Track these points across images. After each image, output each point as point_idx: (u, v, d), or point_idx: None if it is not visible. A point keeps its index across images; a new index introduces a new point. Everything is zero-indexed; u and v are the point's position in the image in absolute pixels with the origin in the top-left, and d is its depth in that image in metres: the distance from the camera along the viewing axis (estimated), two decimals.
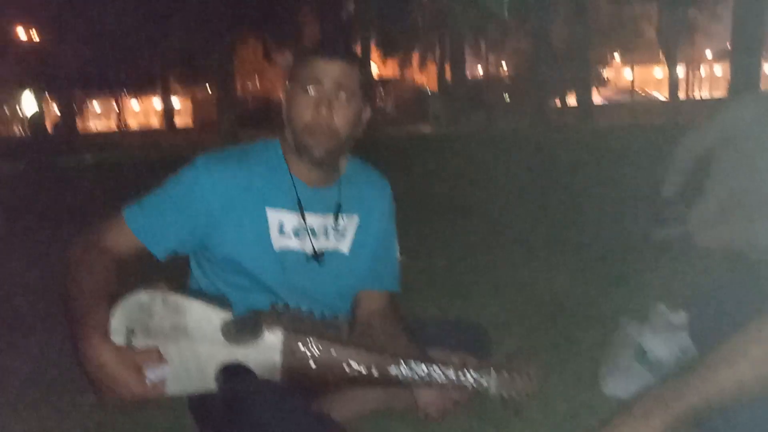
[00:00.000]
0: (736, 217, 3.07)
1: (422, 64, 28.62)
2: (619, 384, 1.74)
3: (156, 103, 34.54)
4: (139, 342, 1.30)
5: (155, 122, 34.82)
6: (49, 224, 4.82)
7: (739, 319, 1.08)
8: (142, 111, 38.31)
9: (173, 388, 1.32)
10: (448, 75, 25.09)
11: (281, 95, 1.49)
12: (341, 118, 1.42)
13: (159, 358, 1.28)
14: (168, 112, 29.76)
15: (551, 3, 19.74)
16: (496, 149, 10.08)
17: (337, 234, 1.54)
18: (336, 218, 1.52)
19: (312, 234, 1.49)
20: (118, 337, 1.28)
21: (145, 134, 26.48)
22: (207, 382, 1.32)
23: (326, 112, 1.40)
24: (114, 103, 32.83)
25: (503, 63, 29.97)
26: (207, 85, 27.68)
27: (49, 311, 2.65)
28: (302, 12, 20.38)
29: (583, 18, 20.75)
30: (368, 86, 1.51)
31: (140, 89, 28.71)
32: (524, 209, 4.88)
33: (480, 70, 30.43)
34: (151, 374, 1.27)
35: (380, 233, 1.61)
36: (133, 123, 35.02)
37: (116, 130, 30.73)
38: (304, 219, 1.48)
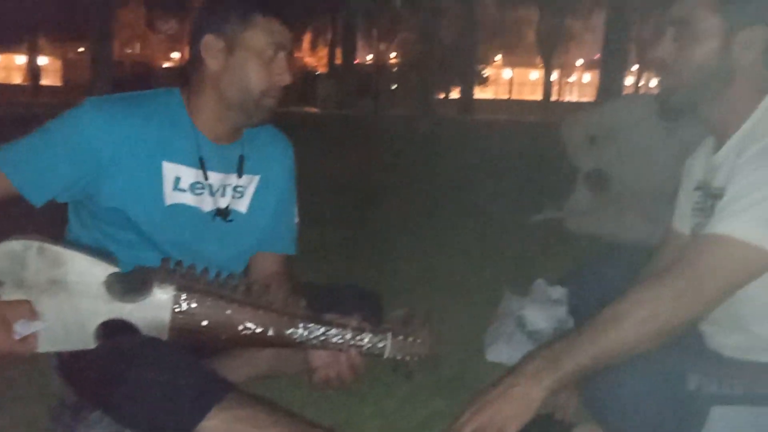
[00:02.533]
0: (604, 207, 3.30)
1: (313, 47, 28.36)
2: (502, 351, 1.83)
3: (21, 59, 31.78)
4: (10, 295, 1.17)
5: (18, 78, 32.01)
6: None
7: (609, 293, 1.16)
8: (5, 66, 35.05)
9: (47, 345, 1.21)
10: (338, 59, 25.06)
11: (210, 58, 1.37)
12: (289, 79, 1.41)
13: (30, 312, 1.16)
14: (33, 70, 27.47)
15: None
16: (382, 133, 10.22)
17: (236, 193, 1.47)
18: (239, 175, 1.46)
19: (210, 192, 1.42)
20: None
21: (6, 89, 24.27)
22: (86, 339, 1.21)
23: (288, 74, 1.39)
24: None
25: (393, 52, 30.34)
26: (81, 45, 25.82)
27: None
28: None
29: (470, 17, 21.52)
30: None
31: (4, 43, 26.24)
32: (408, 190, 4.99)
33: (370, 57, 30.62)
34: (21, 329, 1.15)
35: (280, 195, 1.56)
36: None
37: None
38: (205, 175, 1.40)
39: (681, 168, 1.44)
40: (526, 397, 1.08)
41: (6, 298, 1.17)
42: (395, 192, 4.96)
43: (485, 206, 4.27)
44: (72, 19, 18.75)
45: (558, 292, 2.07)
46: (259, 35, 1.36)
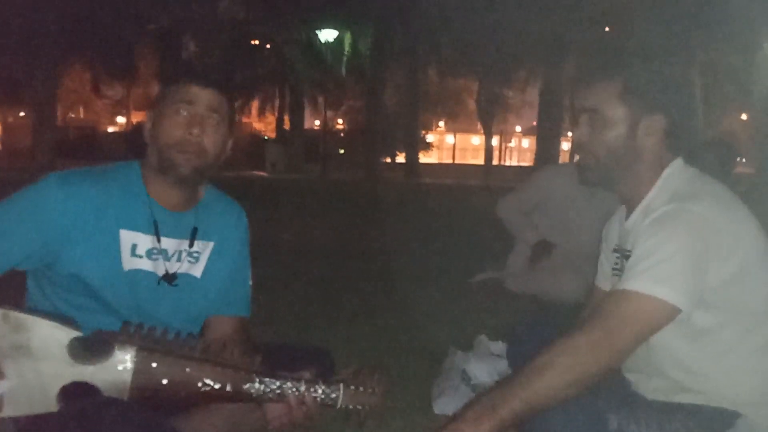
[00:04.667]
0: (541, 268, 3.48)
1: (262, 113, 28.65)
2: (448, 404, 1.89)
3: None
4: None
5: None
6: None
7: (545, 346, 1.28)
8: None
9: (9, 410, 1.23)
10: (286, 125, 25.34)
11: (146, 118, 1.50)
12: (210, 139, 1.47)
13: None
14: None
15: (386, 68, 20.97)
16: (329, 196, 10.32)
17: (191, 258, 1.54)
18: (191, 243, 1.54)
19: (165, 257, 1.49)
20: None
21: None
22: (48, 402, 1.24)
23: (198, 131, 1.45)
24: None
25: (339, 118, 30.92)
26: (22, 110, 25.31)
27: None
28: (138, 48, 19.55)
29: (413, 86, 22.28)
30: (233, 119, 1.57)
31: None
32: (356, 251, 5.07)
33: (317, 123, 31.09)
34: None
35: (234, 260, 1.63)
36: None
37: None
38: (159, 241, 1.48)
39: (602, 232, 1.60)
40: None
41: None
42: (343, 253, 5.04)
43: (431, 266, 4.39)
44: (14, 83, 18.44)
45: (499, 347, 2.17)
46: (171, 95, 1.48)
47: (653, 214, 1.31)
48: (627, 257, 1.36)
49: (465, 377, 2.00)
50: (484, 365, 2.03)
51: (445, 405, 1.90)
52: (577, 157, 1.47)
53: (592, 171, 1.41)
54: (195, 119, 1.45)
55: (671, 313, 1.24)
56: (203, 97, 1.46)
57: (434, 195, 11.82)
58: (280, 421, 1.42)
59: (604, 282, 1.55)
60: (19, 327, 1.23)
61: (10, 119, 28.86)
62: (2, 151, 25.37)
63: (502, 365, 2.02)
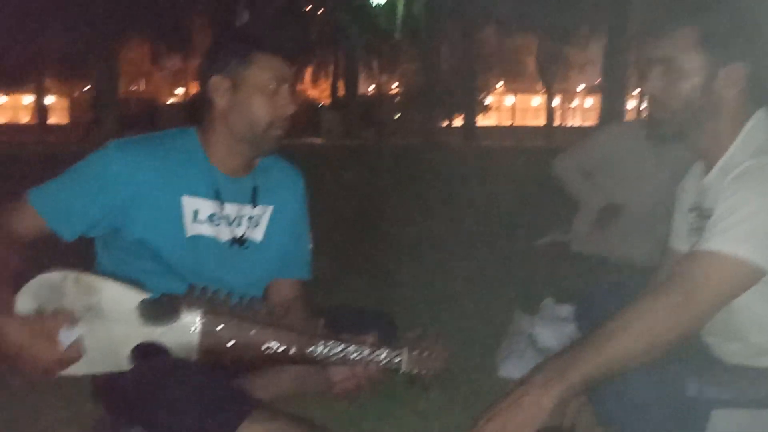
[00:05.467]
0: (608, 230, 3.37)
1: (316, 80, 28.73)
2: (514, 368, 1.88)
3: (28, 99, 32.22)
4: None
5: (27, 118, 32.40)
6: None
7: (615, 310, 1.23)
8: (12, 106, 35.52)
9: (85, 368, 1.28)
10: (340, 91, 25.35)
11: (218, 97, 1.49)
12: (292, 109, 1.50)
13: (70, 319, 1.24)
14: (41, 109, 27.87)
15: (441, 29, 20.58)
16: (385, 162, 10.30)
17: (251, 223, 1.56)
18: (252, 207, 1.55)
19: (226, 222, 1.51)
20: None
21: (15, 129, 24.61)
22: (120, 362, 1.30)
23: (291, 107, 1.48)
24: None
25: (394, 83, 30.68)
26: (87, 84, 26.23)
27: None
28: (195, 19, 19.86)
29: (470, 46, 21.81)
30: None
31: (11, 84, 26.69)
32: (416, 217, 5.05)
33: (372, 88, 30.98)
34: (65, 338, 1.22)
35: (293, 223, 1.65)
36: (1, 117, 32.38)
37: None
38: (221, 207, 1.50)
39: (674, 190, 1.53)
40: (535, 405, 1.13)
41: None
42: (403, 219, 5.01)
43: (492, 231, 4.33)
44: (77, 59, 19.11)
45: (566, 310, 2.13)
46: (260, 72, 1.47)
47: (735, 170, 1.23)
48: (706, 216, 1.29)
49: (531, 341, 1.99)
50: (550, 329, 2.00)
51: (510, 369, 1.89)
52: (647, 113, 1.40)
53: (666, 126, 1.33)
54: (285, 94, 1.48)
55: (755, 275, 1.17)
56: (287, 70, 1.49)
57: (494, 158, 11.64)
58: (344, 385, 1.43)
59: (679, 243, 1.47)
60: (91, 290, 1.29)
61: (76, 94, 29.97)
62: (69, 125, 26.49)
63: (570, 329, 1.98)
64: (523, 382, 1.18)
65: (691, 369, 1.29)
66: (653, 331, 1.16)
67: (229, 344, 1.33)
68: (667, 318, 1.17)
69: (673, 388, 1.24)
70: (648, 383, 1.21)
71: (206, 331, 1.31)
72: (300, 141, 16.20)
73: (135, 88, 33.52)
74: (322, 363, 1.39)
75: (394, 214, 5.19)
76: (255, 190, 1.56)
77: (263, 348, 1.34)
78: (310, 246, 1.72)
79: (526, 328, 2.05)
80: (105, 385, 1.41)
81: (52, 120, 29.68)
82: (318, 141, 19.27)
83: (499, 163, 10.48)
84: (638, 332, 1.16)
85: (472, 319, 2.45)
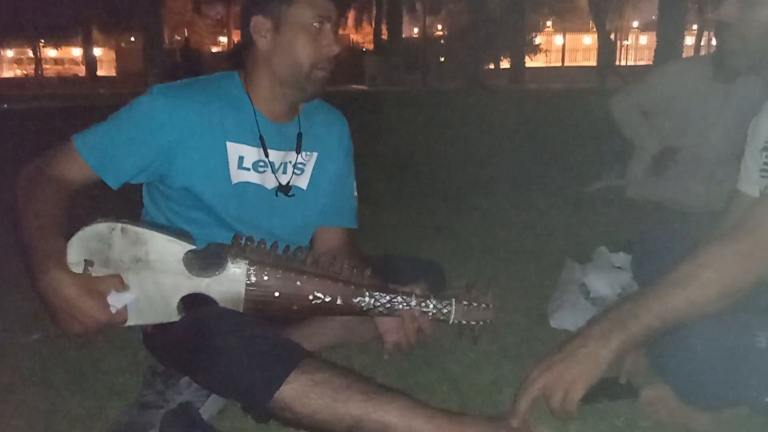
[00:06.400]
0: (666, 174, 3.23)
1: (358, 24, 28.26)
2: (566, 318, 1.84)
3: (76, 51, 32.78)
4: (99, 273, 1.26)
5: (76, 70, 33.03)
6: None
7: (674, 258, 1.16)
8: (62, 59, 36.23)
9: (135, 318, 1.30)
10: (384, 35, 24.89)
11: (260, 38, 1.44)
12: (337, 49, 1.45)
13: (121, 283, 1.25)
14: (90, 61, 28.33)
15: None
16: (431, 107, 10.14)
17: (297, 170, 1.53)
18: (298, 152, 1.52)
19: (272, 169, 1.48)
20: (75, 269, 1.24)
21: (66, 82, 25.17)
22: (169, 312, 1.30)
23: (336, 47, 1.44)
24: (31, 51, 30.86)
25: (439, 25, 29.91)
26: (132, 35, 26.49)
27: None
28: None
29: None
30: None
31: (60, 37, 27.16)
32: (463, 164, 4.96)
33: (416, 31, 30.30)
34: (114, 301, 1.24)
35: (338, 170, 1.61)
36: (52, 71, 33.08)
37: (34, 77, 28.96)
38: (266, 153, 1.47)
39: (741, 130, 1.42)
40: (593, 357, 1.09)
41: (96, 275, 1.26)
42: (448, 165, 4.95)
43: (542, 176, 4.22)
44: (123, 10, 19.25)
45: (621, 258, 2.07)
46: (303, 9, 1.41)
47: None
48: None
49: (584, 291, 1.93)
50: (604, 278, 1.94)
51: (562, 319, 1.85)
52: (717, 45, 1.28)
53: (739, 57, 1.23)
54: (329, 33, 1.43)
55: None
56: (332, 8, 1.43)
57: (543, 101, 11.31)
58: (393, 337, 1.42)
59: (750, 186, 1.37)
60: (137, 241, 1.28)
61: (123, 44, 30.30)
62: (117, 77, 26.93)
63: (625, 278, 1.94)
64: (579, 333, 1.14)
65: (762, 321, 1.21)
66: (722, 279, 1.10)
67: (276, 294, 1.31)
68: (737, 266, 1.10)
69: (742, 341, 1.17)
70: (715, 336, 1.15)
71: (252, 282, 1.30)
72: (344, 88, 16.10)
73: (179, 38, 33.69)
74: (368, 314, 1.37)
75: (440, 161, 5.12)
76: (299, 137, 1.53)
77: (310, 298, 1.32)
78: (356, 194, 1.68)
79: (578, 278, 1.99)
80: (155, 336, 1.43)
81: (102, 72, 30.17)
82: (362, 87, 19.11)
83: (548, 105, 10.19)
84: (706, 281, 1.10)
85: (522, 268, 2.40)
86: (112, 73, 30.51)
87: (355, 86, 18.58)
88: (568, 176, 4.11)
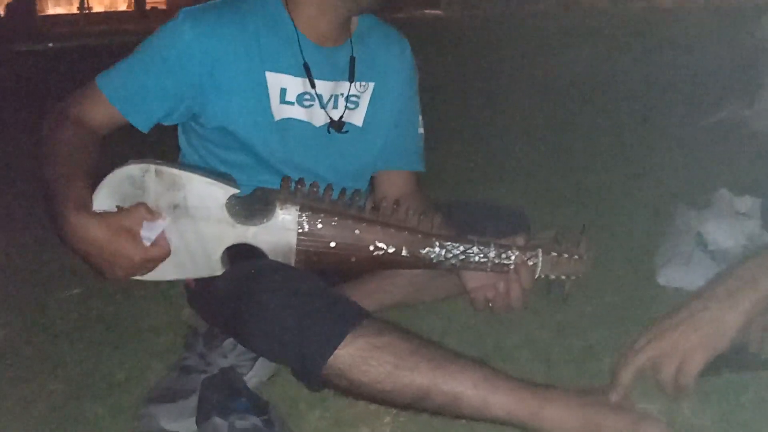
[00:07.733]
0: None
1: None
2: (677, 274, 1.76)
3: None
4: None
5: (122, 4, 33.93)
6: (8, 112, 4.79)
7: None
8: None
9: (174, 272, 1.29)
10: None
11: None
12: None
13: (147, 210, 1.21)
14: None
15: None
16: (513, 33, 9.90)
17: (350, 103, 1.47)
18: (350, 84, 1.45)
19: (320, 103, 1.42)
20: None
21: (114, 17, 25.94)
22: (212, 265, 1.29)
23: None
24: None
25: None
26: None
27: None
28: None
29: None
30: None
31: None
32: (554, 95, 4.83)
33: None
34: (147, 232, 1.21)
35: (400, 103, 1.55)
36: (99, 5, 34.13)
37: (78, 13, 30.00)
38: (312, 84, 1.41)
39: None
40: (718, 322, 1.03)
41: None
42: (536, 97, 4.80)
43: (650, 107, 4.07)
44: None
45: (747, 203, 1.98)
46: None
47: None
48: None
49: (700, 241, 1.83)
50: (726, 226, 1.84)
51: (673, 276, 1.76)
52: None
53: None
54: None
55: None
56: None
57: (646, 21, 10.76)
58: (482, 294, 1.36)
59: None
60: (174, 184, 1.26)
61: None
62: (168, 9, 27.46)
63: (752, 226, 1.85)
64: (698, 294, 1.08)
65: None
66: None
67: (332, 245, 1.28)
68: None
69: None
70: None
71: (304, 231, 1.27)
72: (417, 13, 15.86)
73: None
74: (438, 267, 1.32)
75: (526, 94, 4.97)
76: (352, 63, 1.45)
77: (370, 249, 1.28)
78: (422, 131, 1.61)
79: (693, 226, 1.90)
80: (199, 292, 1.42)
81: (150, 4, 30.82)
82: (437, 13, 18.83)
83: (654, 25, 9.71)
84: None
85: (625, 213, 2.34)
86: (163, 5, 31.12)
87: (429, 11, 18.31)
88: (682, 106, 3.94)
